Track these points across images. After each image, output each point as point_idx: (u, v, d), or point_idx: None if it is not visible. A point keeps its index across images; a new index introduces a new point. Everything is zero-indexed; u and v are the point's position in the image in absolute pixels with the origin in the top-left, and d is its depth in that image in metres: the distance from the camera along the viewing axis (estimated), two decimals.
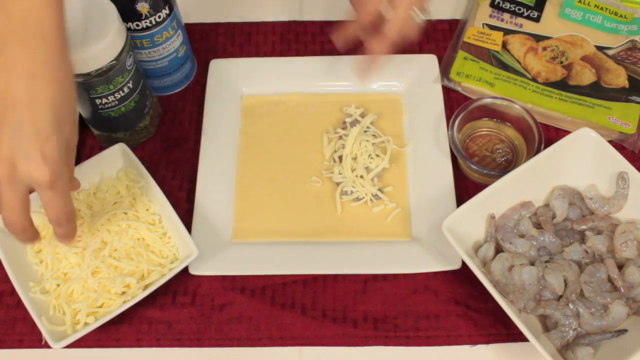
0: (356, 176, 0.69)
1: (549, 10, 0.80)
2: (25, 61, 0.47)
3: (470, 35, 0.78)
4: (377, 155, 0.70)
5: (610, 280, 0.60)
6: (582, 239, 0.64)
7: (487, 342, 0.62)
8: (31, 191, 0.51)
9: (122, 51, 0.63)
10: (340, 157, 0.70)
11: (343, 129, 0.73)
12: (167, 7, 0.68)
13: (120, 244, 0.63)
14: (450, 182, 0.68)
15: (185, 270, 0.62)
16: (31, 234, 0.54)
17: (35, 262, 0.63)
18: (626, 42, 0.77)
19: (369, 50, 0.64)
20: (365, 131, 0.72)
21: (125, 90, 0.66)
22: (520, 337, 0.58)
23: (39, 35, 0.48)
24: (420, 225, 0.67)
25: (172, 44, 0.72)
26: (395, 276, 0.65)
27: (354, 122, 0.73)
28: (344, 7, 0.85)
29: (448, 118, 0.71)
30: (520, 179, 0.63)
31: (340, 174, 0.69)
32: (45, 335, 0.58)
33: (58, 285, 0.62)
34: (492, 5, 0.81)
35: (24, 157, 0.48)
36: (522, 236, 0.63)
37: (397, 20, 0.62)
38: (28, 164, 0.48)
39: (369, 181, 0.69)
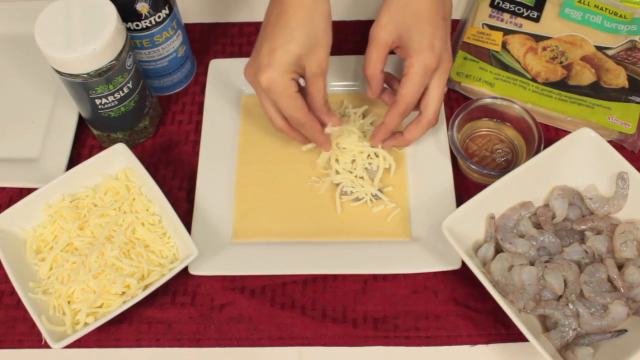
0: (355, 176, 0.69)
1: (548, 10, 0.80)
2: None
3: (470, 35, 0.78)
4: (377, 156, 0.70)
5: (610, 280, 0.60)
6: (582, 239, 0.64)
7: (487, 342, 0.62)
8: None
9: (122, 51, 0.63)
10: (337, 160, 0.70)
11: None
12: (167, 7, 0.68)
13: (120, 244, 0.63)
14: (450, 182, 0.68)
15: (185, 270, 0.62)
16: (290, 129, 0.65)
17: (35, 262, 0.63)
18: (626, 42, 0.77)
19: (407, 134, 0.66)
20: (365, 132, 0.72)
21: (125, 90, 0.66)
22: (520, 337, 0.58)
23: None
24: (420, 225, 0.67)
25: (172, 44, 0.72)
26: (395, 276, 0.65)
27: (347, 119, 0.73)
28: (344, 7, 0.85)
29: (448, 118, 0.71)
30: (520, 179, 0.63)
31: (338, 173, 0.69)
32: (45, 335, 0.58)
33: (58, 285, 0.62)
34: (492, 5, 0.81)
35: (255, 63, 0.61)
36: (522, 236, 0.63)
37: (436, 107, 0.64)
38: (256, 69, 0.60)
39: (369, 181, 0.69)
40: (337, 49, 0.81)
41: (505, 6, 0.80)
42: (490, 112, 0.72)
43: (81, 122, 0.74)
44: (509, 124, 0.72)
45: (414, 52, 0.61)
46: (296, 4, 0.59)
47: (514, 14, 0.80)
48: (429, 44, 0.61)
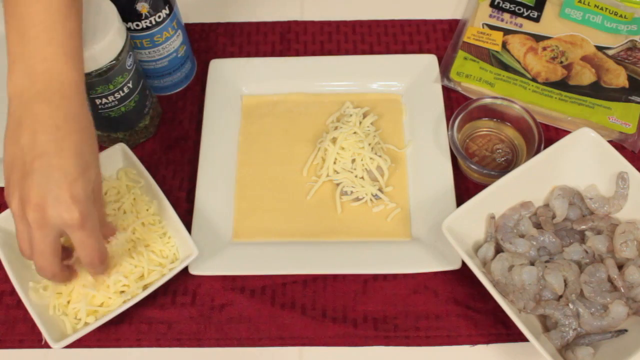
0: (355, 177, 0.69)
1: (549, 10, 0.80)
2: (50, 117, 0.51)
3: (470, 35, 0.78)
4: (380, 156, 0.69)
5: (610, 280, 0.60)
6: (582, 239, 0.64)
7: (487, 342, 0.62)
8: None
9: (122, 51, 0.63)
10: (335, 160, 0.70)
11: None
12: (167, 7, 0.68)
13: (120, 244, 0.63)
14: (450, 182, 0.68)
15: (185, 270, 0.62)
16: (62, 277, 0.57)
17: None
18: (626, 42, 0.77)
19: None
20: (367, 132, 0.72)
21: (125, 90, 0.66)
22: (520, 337, 0.58)
23: (61, 92, 0.52)
24: (420, 225, 0.67)
25: (172, 44, 0.72)
26: (395, 276, 0.65)
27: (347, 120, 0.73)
28: (344, 7, 0.85)
29: (448, 118, 0.71)
30: (520, 179, 0.63)
31: (337, 172, 0.69)
32: (45, 335, 0.58)
33: (58, 285, 0.61)
34: (492, 5, 0.81)
35: (54, 200, 0.50)
36: (522, 236, 0.63)
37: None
38: (58, 207, 0.50)
39: (369, 181, 0.69)
40: (337, 49, 0.82)
41: (506, 6, 0.80)
42: (491, 112, 0.72)
43: None
44: (509, 124, 0.72)
45: None
46: (67, 115, 0.52)
47: (514, 14, 0.80)
48: None
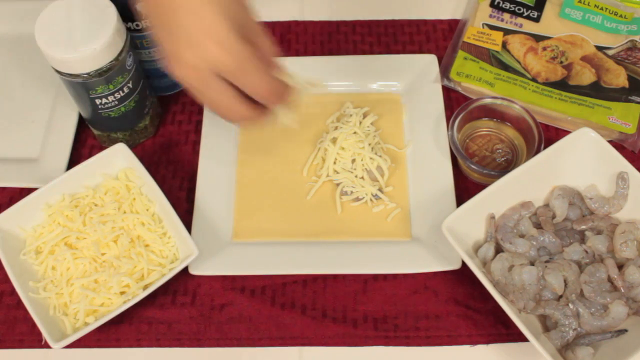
0: (355, 177, 0.69)
1: (549, 10, 0.80)
2: None
3: (470, 35, 0.78)
4: (380, 156, 0.69)
5: (610, 280, 0.60)
6: (582, 239, 0.64)
7: (487, 342, 0.62)
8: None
9: (122, 51, 0.63)
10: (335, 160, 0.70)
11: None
12: None
13: (121, 243, 0.63)
14: (450, 182, 0.68)
15: (185, 270, 0.62)
16: (255, 115, 0.54)
17: (35, 262, 0.63)
18: (626, 42, 0.77)
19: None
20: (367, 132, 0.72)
21: (125, 90, 0.66)
22: (520, 337, 0.58)
23: None
24: (420, 225, 0.67)
25: None
26: (395, 276, 0.65)
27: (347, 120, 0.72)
28: (344, 7, 0.85)
29: (448, 118, 0.71)
30: (520, 179, 0.63)
31: (337, 172, 0.69)
32: (45, 335, 0.58)
33: (58, 285, 0.62)
34: (492, 5, 0.81)
35: (202, 53, 0.48)
36: (522, 236, 0.63)
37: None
38: (208, 59, 0.48)
39: (369, 181, 0.69)
40: (337, 48, 0.82)
41: (506, 6, 0.80)
42: (491, 112, 0.72)
43: (81, 122, 0.74)
44: (509, 124, 0.72)
45: None
46: None
47: (514, 14, 0.80)
48: None
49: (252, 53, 0.50)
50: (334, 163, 0.69)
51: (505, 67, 0.76)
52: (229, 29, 0.49)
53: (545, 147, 0.65)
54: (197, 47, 0.48)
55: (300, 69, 0.76)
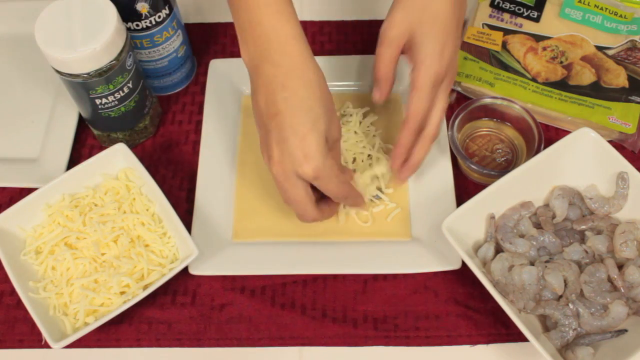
0: (370, 151, 0.69)
1: (548, 10, 0.80)
2: (275, 75, 0.55)
3: (470, 35, 0.78)
4: (379, 158, 0.69)
5: (610, 280, 0.60)
6: (582, 239, 0.64)
7: (487, 342, 0.62)
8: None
9: (122, 51, 0.63)
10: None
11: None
12: (167, 7, 0.68)
13: (121, 244, 0.63)
14: (450, 182, 0.68)
15: (185, 270, 0.62)
16: (323, 217, 0.61)
17: (35, 262, 0.63)
18: (626, 42, 0.77)
19: (415, 156, 0.63)
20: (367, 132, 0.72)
21: (125, 90, 0.66)
22: (520, 337, 0.58)
23: (279, 50, 0.55)
24: (420, 225, 0.67)
25: (172, 44, 0.72)
26: (395, 276, 0.65)
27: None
28: (344, 7, 0.85)
29: (448, 118, 0.71)
30: (520, 179, 0.63)
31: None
32: (45, 335, 0.58)
33: (58, 285, 0.62)
34: (492, 5, 0.81)
35: (289, 157, 0.54)
36: (522, 236, 0.63)
37: (439, 120, 0.62)
38: (293, 163, 0.54)
39: (384, 159, 0.68)
40: (337, 49, 0.81)
41: (506, 6, 0.80)
42: (491, 112, 0.72)
43: (81, 122, 0.74)
44: (509, 124, 0.72)
45: (424, 61, 0.58)
46: (288, 71, 0.55)
47: (514, 14, 0.80)
48: (440, 53, 0.58)
49: (332, 164, 0.56)
50: None
51: (505, 67, 0.76)
52: (317, 143, 0.54)
53: (545, 147, 0.65)
54: (288, 152, 0.54)
55: None
